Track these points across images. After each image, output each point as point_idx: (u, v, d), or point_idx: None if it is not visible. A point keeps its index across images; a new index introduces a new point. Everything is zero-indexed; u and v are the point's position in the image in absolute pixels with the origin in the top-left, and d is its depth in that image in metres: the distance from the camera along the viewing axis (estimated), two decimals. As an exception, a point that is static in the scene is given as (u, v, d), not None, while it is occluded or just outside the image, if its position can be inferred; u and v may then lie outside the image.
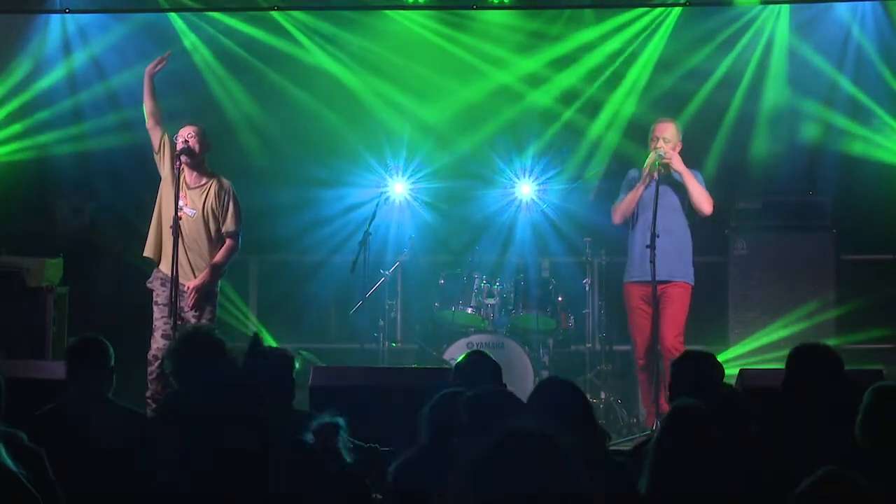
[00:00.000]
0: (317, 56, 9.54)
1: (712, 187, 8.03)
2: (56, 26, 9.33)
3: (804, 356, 4.66)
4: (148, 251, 7.44)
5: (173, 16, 9.35)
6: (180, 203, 7.28)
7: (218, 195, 7.46)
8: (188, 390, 4.61)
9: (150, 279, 7.45)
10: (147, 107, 7.53)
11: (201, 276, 7.37)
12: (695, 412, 3.87)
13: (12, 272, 8.10)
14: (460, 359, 5.56)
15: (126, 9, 9.30)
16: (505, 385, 5.02)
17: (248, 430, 4.09)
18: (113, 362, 5.04)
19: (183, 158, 7.28)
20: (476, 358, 5.35)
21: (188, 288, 7.31)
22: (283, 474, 3.98)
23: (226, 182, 7.54)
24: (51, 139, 9.41)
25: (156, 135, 7.50)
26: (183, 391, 4.66)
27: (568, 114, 9.58)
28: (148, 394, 7.15)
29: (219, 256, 7.45)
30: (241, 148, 9.50)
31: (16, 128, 9.36)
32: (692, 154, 8.20)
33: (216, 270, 7.44)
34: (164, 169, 7.45)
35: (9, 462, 3.45)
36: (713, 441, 3.79)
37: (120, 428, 4.63)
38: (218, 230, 7.48)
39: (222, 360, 4.74)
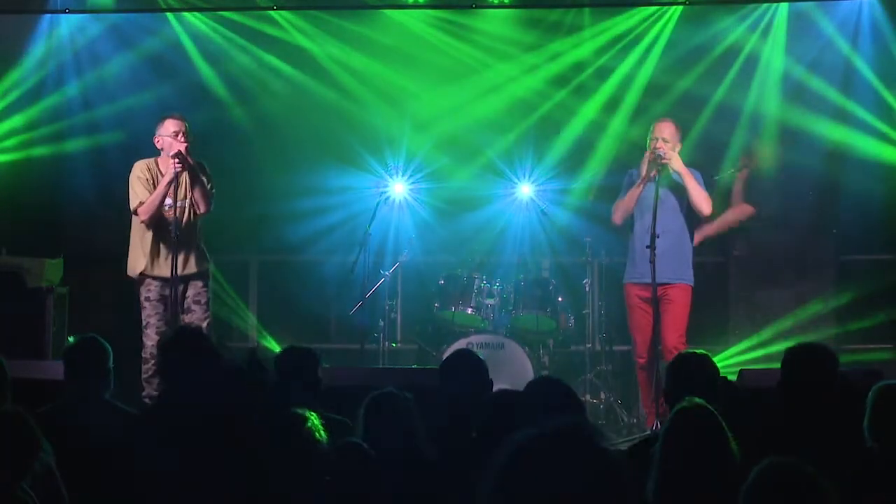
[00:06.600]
0: (316, 55, 9.54)
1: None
2: (50, 26, 9.36)
3: (799, 355, 4.67)
4: (135, 268, 7.27)
5: (171, 16, 9.37)
6: (168, 201, 7.22)
7: (197, 176, 7.30)
8: (177, 390, 4.62)
9: (143, 284, 7.27)
10: (151, 211, 7.23)
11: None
12: (700, 412, 3.85)
13: (12, 272, 8.09)
14: (445, 357, 5.59)
15: (126, 8, 9.30)
16: (491, 382, 5.04)
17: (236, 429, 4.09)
18: (111, 363, 5.03)
19: (182, 157, 7.26)
20: (460, 355, 5.36)
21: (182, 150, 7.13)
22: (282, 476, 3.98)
23: (195, 161, 7.36)
24: (51, 140, 9.43)
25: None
26: (172, 391, 4.67)
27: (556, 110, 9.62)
28: (144, 393, 7.09)
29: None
30: (241, 149, 9.49)
31: (16, 124, 9.38)
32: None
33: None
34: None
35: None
36: (719, 440, 3.78)
37: (113, 429, 4.63)
38: (203, 212, 7.37)
39: (213, 360, 4.74)
